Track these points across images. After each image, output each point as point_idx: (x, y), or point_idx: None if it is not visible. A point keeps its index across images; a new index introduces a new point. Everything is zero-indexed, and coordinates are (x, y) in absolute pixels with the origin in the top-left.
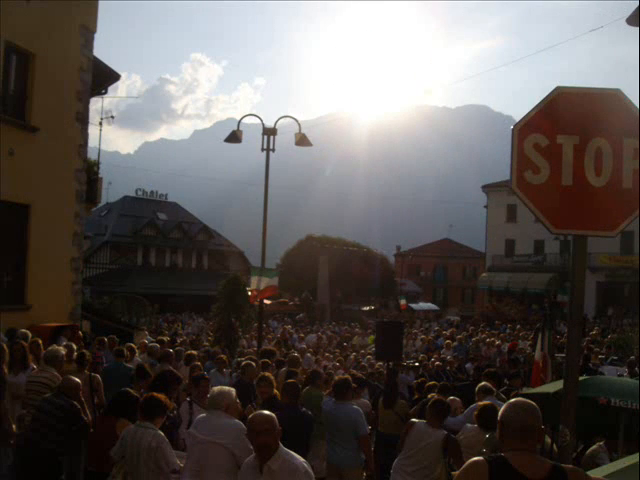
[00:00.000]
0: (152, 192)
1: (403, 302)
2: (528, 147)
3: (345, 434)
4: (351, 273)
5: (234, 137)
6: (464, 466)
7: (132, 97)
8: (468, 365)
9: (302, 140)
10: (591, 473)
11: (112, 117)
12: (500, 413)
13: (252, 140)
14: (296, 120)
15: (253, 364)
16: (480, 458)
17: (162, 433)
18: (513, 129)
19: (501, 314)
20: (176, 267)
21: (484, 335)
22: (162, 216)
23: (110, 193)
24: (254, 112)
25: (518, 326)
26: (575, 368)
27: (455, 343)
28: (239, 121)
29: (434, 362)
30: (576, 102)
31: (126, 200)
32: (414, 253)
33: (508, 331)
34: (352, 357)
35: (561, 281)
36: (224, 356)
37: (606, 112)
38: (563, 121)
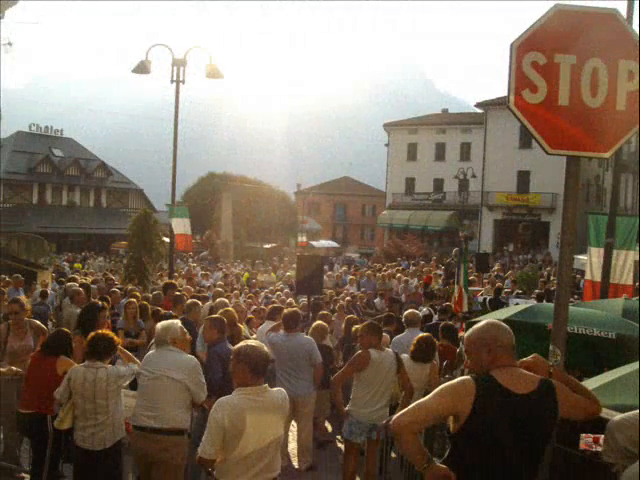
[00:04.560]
0: (47, 127)
1: (303, 240)
2: (526, 65)
3: (299, 364)
4: (252, 211)
5: (142, 68)
6: (451, 383)
7: (31, 23)
8: (377, 300)
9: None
10: None
11: (9, 44)
12: (483, 334)
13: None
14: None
15: (199, 303)
16: (467, 377)
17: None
18: (512, 45)
19: (402, 251)
20: (74, 205)
21: (394, 271)
22: (58, 152)
23: (3, 129)
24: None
25: (422, 262)
26: (567, 289)
27: (362, 279)
28: (147, 51)
29: (344, 297)
30: (574, 21)
31: (19, 136)
32: (315, 191)
33: (412, 268)
34: (263, 294)
35: (460, 218)
36: (138, 293)
37: (602, 33)
38: (561, 40)
